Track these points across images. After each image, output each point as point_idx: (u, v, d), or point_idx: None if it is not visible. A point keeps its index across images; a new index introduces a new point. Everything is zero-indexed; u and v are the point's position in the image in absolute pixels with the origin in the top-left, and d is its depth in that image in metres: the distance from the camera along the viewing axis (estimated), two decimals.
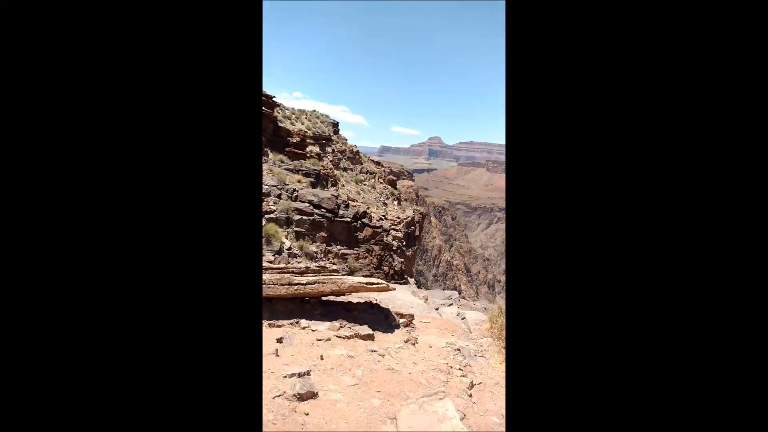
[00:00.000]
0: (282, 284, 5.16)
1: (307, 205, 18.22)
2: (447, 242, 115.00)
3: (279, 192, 18.44)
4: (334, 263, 16.02)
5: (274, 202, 17.88)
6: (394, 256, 21.48)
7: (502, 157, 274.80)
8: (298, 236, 17.43)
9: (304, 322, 5.17)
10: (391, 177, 51.25)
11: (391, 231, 23.65)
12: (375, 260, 20.30)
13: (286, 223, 17.33)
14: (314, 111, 47.53)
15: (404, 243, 24.92)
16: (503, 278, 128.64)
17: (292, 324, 5.04)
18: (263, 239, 15.61)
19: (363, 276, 18.53)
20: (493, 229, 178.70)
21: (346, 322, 5.34)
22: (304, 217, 17.70)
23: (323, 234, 18.49)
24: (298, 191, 18.77)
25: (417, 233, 40.23)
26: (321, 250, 18.10)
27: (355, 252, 19.78)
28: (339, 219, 18.89)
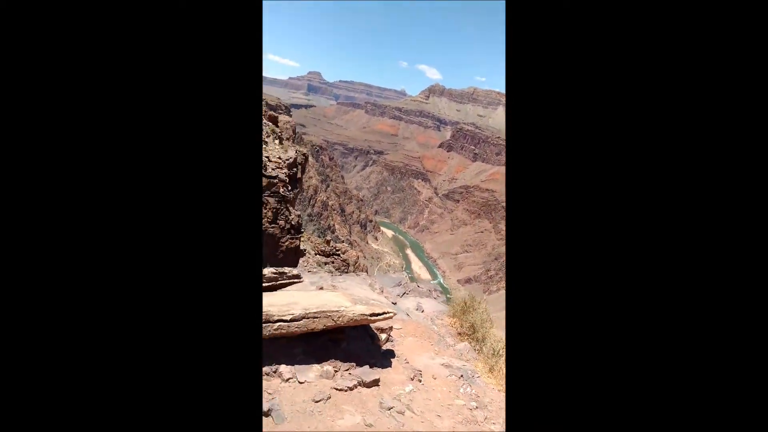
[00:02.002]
0: None
1: None
2: (323, 182, 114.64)
3: None
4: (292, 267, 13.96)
5: None
6: (290, 208, 19.90)
7: (381, 100, 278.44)
8: None
9: (285, 369, 3.82)
10: (272, 113, 46.95)
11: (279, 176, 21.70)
12: (270, 213, 18.55)
13: None
14: None
15: (289, 188, 23.30)
16: (374, 218, 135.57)
17: (269, 374, 3.71)
18: None
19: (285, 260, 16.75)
20: (368, 171, 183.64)
21: (338, 363, 4.18)
22: None
23: None
24: None
25: (299, 175, 38.39)
26: None
27: None
28: None
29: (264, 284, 4.83)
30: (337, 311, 4.34)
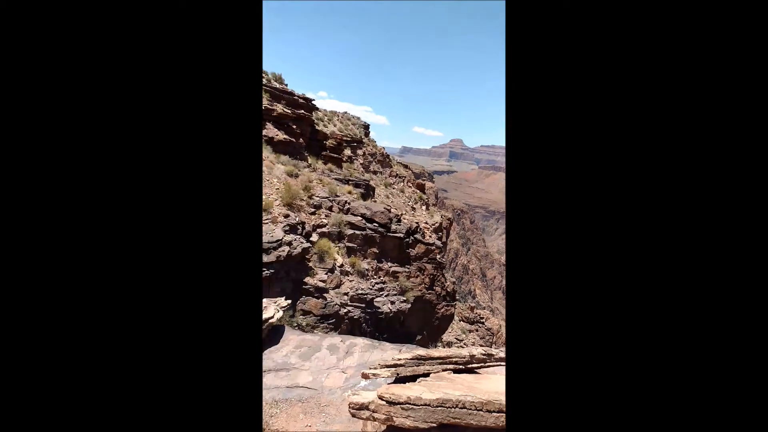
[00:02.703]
0: (490, 411, 3.78)
1: (360, 218, 17.01)
2: (464, 246, 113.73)
3: (330, 204, 17.26)
4: (489, 347, 14.64)
5: (326, 215, 16.69)
6: (446, 275, 20.13)
7: None
8: (350, 252, 16.23)
9: None
10: (419, 181, 50.05)
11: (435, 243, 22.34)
12: (427, 280, 19.02)
13: (338, 237, 16.16)
14: (345, 113, 46.46)
15: (442, 254, 23.71)
16: None
17: None
18: (316, 255, 14.53)
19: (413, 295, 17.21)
20: None
21: None
22: (357, 232, 16.47)
23: (374, 250, 17.26)
24: (350, 204, 17.59)
25: (444, 239, 39.02)
26: (372, 267, 16.90)
27: (407, 270, 18.51)
28: (391, 234, 17.61)
29: (473, 365, 4.89)
30: None
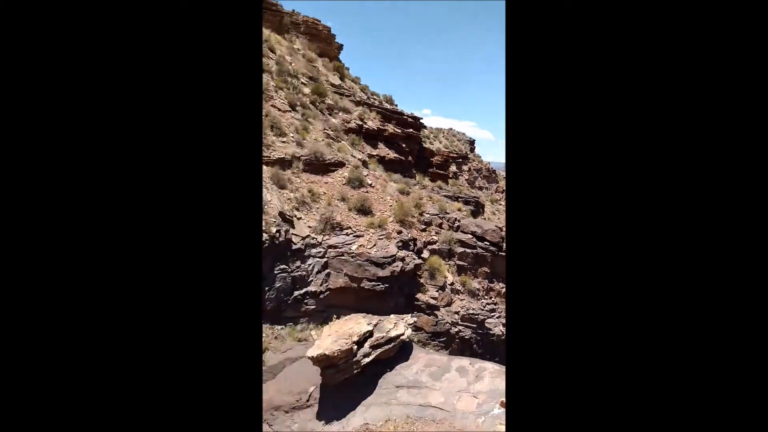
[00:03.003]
0: None
1: (470, 236, 16.78)
2: None
3: (440, 221, 17.36)
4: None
5: (436, 232, 16.81)
6: None
7: None
8: (460, 270, 16.06)
9: None
10: None
11: None
12: None
13: (448, 255, 16.13)
14: (450, 129, 46.62)
15: None
16: None
17: None
18: (427, 272, 14.67)
19: None
20: None
21: None
22: (467, 250, 16.26)
23: (485, 269, 16.81)
24: (459, 221, 17.49)
25: None
26: (483, 287, 16.47)
27: None
28: (503, 254, 17.00)
29: None
30: None
